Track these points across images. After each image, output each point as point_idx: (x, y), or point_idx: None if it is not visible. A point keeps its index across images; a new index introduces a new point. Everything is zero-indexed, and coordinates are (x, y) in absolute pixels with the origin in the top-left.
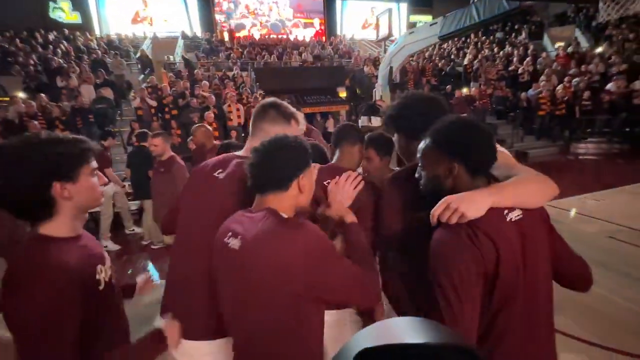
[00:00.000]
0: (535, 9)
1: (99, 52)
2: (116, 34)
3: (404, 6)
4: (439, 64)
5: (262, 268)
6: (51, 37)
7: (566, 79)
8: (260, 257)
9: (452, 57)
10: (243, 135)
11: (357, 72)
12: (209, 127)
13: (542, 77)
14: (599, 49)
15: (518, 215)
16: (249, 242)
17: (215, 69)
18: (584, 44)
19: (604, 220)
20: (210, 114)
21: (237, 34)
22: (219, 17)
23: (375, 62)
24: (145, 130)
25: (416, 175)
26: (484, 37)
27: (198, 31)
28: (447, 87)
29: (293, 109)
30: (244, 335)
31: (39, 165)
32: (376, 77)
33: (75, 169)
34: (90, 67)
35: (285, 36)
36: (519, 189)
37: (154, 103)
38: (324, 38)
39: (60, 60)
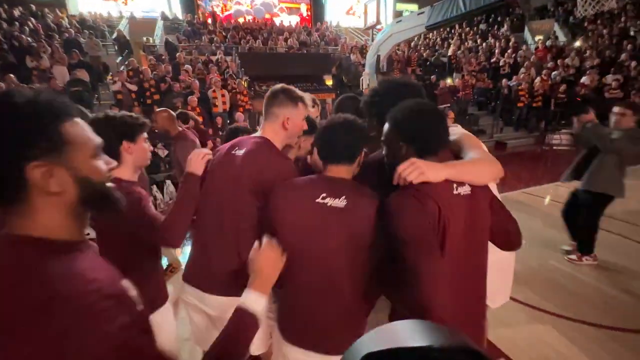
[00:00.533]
0: (518, 1)
1: (72, 32)
2: (88, 12)
3: None
4: (424, 54)
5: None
6: (16, 13)
7: (544, 72)
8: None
9: (437, 47)
10: (229, 122)
11: (344, 60)
12: (172, 112)
13: (522, 70)
14: (577, 44)
15: (466, 191)
16: (354, 202)
17: (198, 53)
18: (562, 38)
19: None
20: (194, 99)
21: (222, 15)
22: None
23: (362, 50)
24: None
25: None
26: (467, 29)
27: (178, 12)
28: (432, 77)
29: (301, 93)
30: (327, 272)
31: (117, 129)
32: (363, 65)
33: (136, 134)
34: (63, 47)
35: (270, 20)
36: (471, 168)
37: (134, 87)
38: (309, 24)
39: (28, 39)
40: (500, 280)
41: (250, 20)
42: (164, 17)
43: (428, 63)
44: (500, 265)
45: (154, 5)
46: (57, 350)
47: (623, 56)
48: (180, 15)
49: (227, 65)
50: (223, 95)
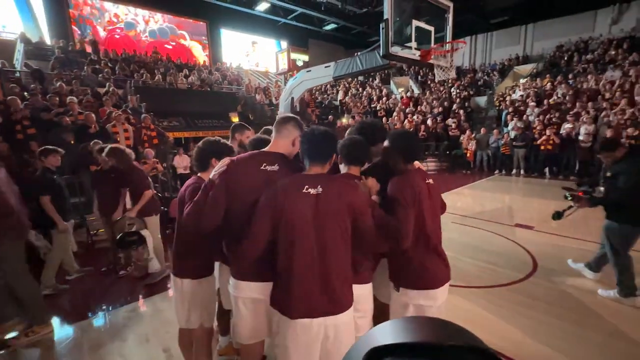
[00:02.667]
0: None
1: None
2: None
3: (284, 44)
4: (319, 98)
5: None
6: None
7: (409, 116)
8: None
9: (328, 92)
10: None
11: (248, 99)
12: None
13: (394, 114)
14: (427, 95)
15: (429, 181)
16: (333, 190)
17: (80, 84)
18: (417, 90)
19: (447, 212)
20: (90, 134)
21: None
22: (79, 26)
23: (265, 91)
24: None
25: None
26: (349, 79)
27: (46, 36)
28: (330, 117)
29: (301, 121)
30: (317, 252)
31: (210, 151)
32: (267, 104)
33: (221, 156)
34: None
35: (165, 56)
36: None
37: None
38: (207, 62)
39: None
40: None
41: (145, 54)
42: (25, 40)
43: (323, 105)
44: None
45: (6, 22)
46: None
47: (455, 106)
48: (48, 41)
49: (120, 97)
50: (126, 130)
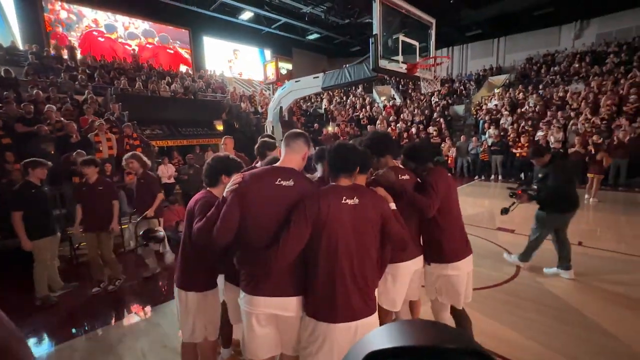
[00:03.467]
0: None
1: None
2: None
3: (267, 52)
4: (304, 106)
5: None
6: None
7: (392, 124)
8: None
9: (313, 100)
10: (117, 168)
11: (233, 107)
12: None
13: (378, 122)
14: (408, 104)
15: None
16: (367, 200)
17: (57, 91)
18: (398, 99)
19: None
20: (73, 142)
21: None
22: (54, 31)
23: (251, 100)
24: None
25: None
26: None
27: (18, 41)
28: (315, 125)
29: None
30: (356, 258)
31: (219, 168)
32: (252, 113)
33: (230, 173)
34: None
35: (146, 62)
36: None
37: None
38: (191, 70)
39: None
40: None
41: (124, 59)
42: None
43: (308, 113)
44: None
45: None
46: None
47: (435, 114)
48: (20, 45)
49: (99, 105)
50: (109, 140)
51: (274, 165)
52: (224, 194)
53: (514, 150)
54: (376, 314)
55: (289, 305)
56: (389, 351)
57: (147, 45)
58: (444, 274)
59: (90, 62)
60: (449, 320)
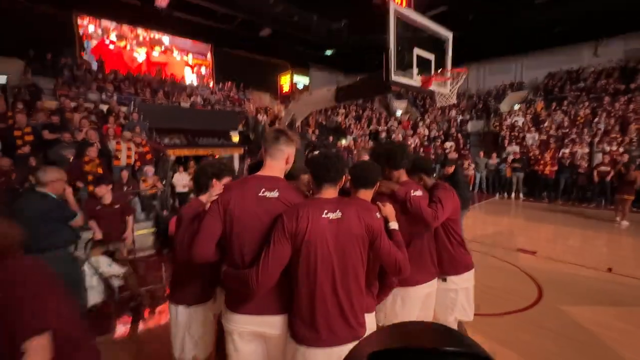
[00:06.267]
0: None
1: None
2: None
3: (285, 66)
4: (319, 119)
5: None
6: None
7: (409, 138)
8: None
9: (329, 113)
10: (135, 176)
11: (250, 119)
12: None
13: (393, 136)
14: (425, 119)
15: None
16: (351, 214)
17: (84, 101)
18: (415, 114)
19: None
20: (93, 150)
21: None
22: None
23: (267, 112)
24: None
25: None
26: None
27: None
28: (330, 137)
29: (291, 133)
30: (339, 278)
31: (211, 172)
32: (269, 125)
33: (221, 178)
34: None
35: (168, 76)
36: None
37: None
38: (211, 83)
39: None
40: None
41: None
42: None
43: (323, 126)
44: None
45: None
46: None
47: (453, 129)
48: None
49: (125, 116)
50: (129, 149)
51: (258, 174)
52: (205, 203)
53: (537, 168)
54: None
55: (274, 323)
56: (391, 352)
57: (154, 54)
58: (463, 287)
59: (117, 76)
60: None
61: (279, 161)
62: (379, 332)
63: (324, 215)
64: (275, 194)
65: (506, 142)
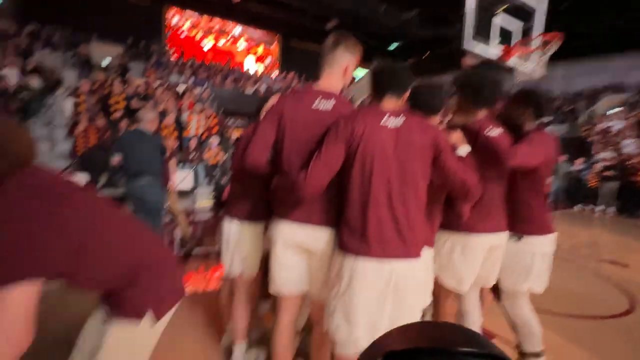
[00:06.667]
0: None
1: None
2: None
3: None
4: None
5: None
6: None
7: None
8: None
9: None
10: (202, 145)
11: None
12: None
13: None
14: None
15: None
16: (413, 124)
17: (165, 81)
18: None
19: None
20: (170, 119)
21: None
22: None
23: None
24: None
25: None
26: None
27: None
28: None
29: (355, 41)
30: (395, 187)
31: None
32: None
33: None
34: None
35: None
36: None
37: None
38: (275, 72)
39: None
40: None
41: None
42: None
43: None
44: None
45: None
46: None
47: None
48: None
49: (202, 96)
50: (198, 120)
51: (313, 87)
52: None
53: (634, 179)
54: (417, 264)
55: (319, 237)
56: (407, 352)
57: (218, 45)
58: (541, 252)
59: (193, 63)
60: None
61: (337, 71)
62: (395, 330)
63: (382, 123)
64: (329, 106)
65: (596, 148)
